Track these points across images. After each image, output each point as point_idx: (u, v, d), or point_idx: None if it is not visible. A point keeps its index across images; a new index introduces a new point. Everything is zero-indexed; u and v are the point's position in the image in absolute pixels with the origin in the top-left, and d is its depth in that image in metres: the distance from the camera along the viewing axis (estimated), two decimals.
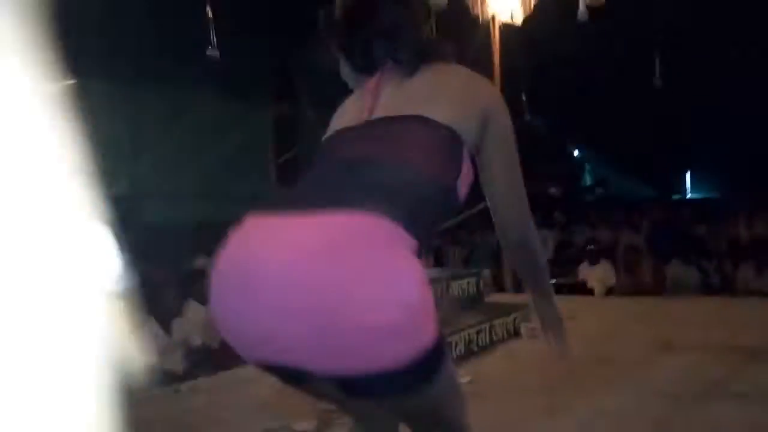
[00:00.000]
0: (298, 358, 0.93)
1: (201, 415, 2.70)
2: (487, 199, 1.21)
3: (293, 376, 1.06)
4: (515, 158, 1.18)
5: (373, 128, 1.12)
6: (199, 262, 5.53)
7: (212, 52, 2.87)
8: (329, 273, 0.88)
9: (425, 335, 0.93)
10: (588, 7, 5.06)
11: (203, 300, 4.53)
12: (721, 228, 6.76)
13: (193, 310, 4.46)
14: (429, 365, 0.97)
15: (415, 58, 1.17)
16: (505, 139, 1.17)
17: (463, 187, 1.12)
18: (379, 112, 1.13)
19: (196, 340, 4.31)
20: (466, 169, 1.12)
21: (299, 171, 8.18)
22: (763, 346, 3.47)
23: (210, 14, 2.81)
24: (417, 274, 0.93)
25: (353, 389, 1.00)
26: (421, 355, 0.92)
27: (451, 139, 1.08)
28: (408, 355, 0.91)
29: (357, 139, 1.13)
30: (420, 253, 0.98)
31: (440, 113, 1.08)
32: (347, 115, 1.21)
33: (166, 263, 5.43)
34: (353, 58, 1.23)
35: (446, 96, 1.12)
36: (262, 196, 7.41)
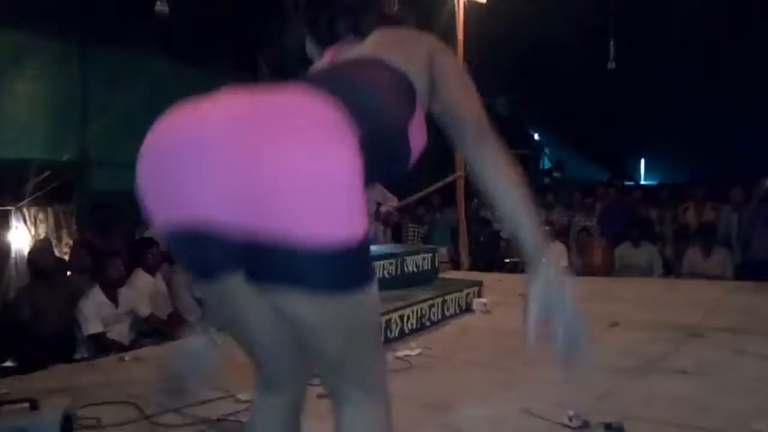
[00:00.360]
0: (217, 214, 0.89)
1: (143, 385, 2.62)
2: (449, 128, 1.17)
3: (204, 250, 0.95)
4: (468, 83, 1.18)
5: (339, 67, 1.16)
6: (149, 231, 5.39)
7: (161, 7, 2.73)
8: (251, 133, 0.88)
9: (347, 224, 0.89)
10: None
11: (152, 270, 4.42)
12: (670, 213, 6.93)
13: (141, 279, 4.34)
14: (349, 266, 0.92)
15: (375, 28, 1.22)
16: (455, 71, 1.18)
17: (413, 138, 1.10)
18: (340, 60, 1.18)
19: (144, 311, 4.20)
20: (419, 119, 1.11)
21: None
22: (703, 324, 3.59)
23: None
24: (349, 156, 0.89)
25: (266, 267, 0.92)
26: (341, 246, 0.88)
27: (404, 82, 1.10)
28: (326, 235, 0.87)
29: (323, 73, 1.18)
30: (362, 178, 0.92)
31: (394, 58, 1.12)
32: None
33: (114, 231, 5.27)
34: (318, 32, 1.26)
35: (396, 46, 1.16)
36: None
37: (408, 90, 1.10)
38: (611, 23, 5.13)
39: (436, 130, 1.18)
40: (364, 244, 0.92)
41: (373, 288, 1.01)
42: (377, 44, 1.17)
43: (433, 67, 1.15)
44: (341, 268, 0.91)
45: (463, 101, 1.16)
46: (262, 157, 0.86)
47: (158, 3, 2.70)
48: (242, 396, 2.40)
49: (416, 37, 1.21)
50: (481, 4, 5.86)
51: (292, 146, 0.86)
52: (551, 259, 1.11)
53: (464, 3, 5.95)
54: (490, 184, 1.14)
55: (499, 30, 6.34)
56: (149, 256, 4.43)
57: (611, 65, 5.32)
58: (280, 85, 1.00)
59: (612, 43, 5.29)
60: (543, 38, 7.04)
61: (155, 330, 4.23)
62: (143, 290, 4.30)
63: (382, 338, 3.20)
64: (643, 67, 7.32)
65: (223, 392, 2.50)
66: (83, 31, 6.07)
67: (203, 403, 2.41)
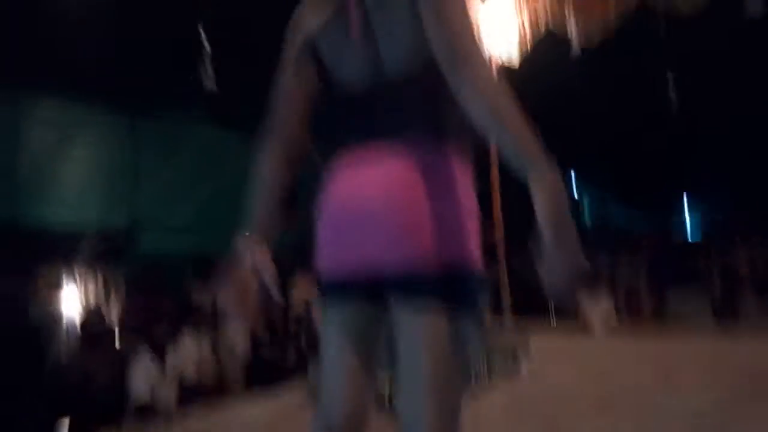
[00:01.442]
0: (375, 258, 1.13)
1: None
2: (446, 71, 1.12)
3: (364, 298, 1.19)
4: (462, 17, 1.13)
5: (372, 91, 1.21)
6: (195, 294, 5.49)
7: (210, 85, 2.87)
8: (398, 195, 1.13)
9: (466, 251, 1.14)
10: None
11: (198, 333, 4.49)
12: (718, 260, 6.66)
13: (187, 343, 4.40)
14: (464, 286, 1.13)
15: None
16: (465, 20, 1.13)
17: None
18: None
19: (190, 375, 4.24)
20: None
21: (298, 202, 8.15)
22: None
23: (208, 48, 2.82)
24: (464, 210, 1.16)
25: (406, 287, 1.12)
26: (462, 267, 1.13)
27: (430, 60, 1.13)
28: (450, 257, 1.11)
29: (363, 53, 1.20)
30: (465, 147, 1.19)
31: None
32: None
33: (162, 295, 5.39)
34: None
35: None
36: None
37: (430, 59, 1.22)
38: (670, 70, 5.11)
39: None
40: (480, 275, 1.17)
41: (484, 311, 1.22)
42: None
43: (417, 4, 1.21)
44: (461, 286, 1.15)
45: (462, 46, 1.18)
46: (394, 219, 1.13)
47: (207, 82, 2.84)
48: None
49: None
50: (512, 69, 5.95)
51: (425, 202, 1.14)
52: (545, 169, 1.03)
53: (497, 68, 6.05)
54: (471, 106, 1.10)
55: (534, 87, 6.43)
56: (196, 319, 4.51)
57: (673, 101, 5.22)
58: (376, 154, 1.18)
59: (671, 79, 5.24)
60: (582, 86, 7.06)
61: (201, 395, 4.26)
62: (190, 354, 4.36)
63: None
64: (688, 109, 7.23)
65: None
66: (133, 102, 6.38)
67: None
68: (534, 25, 5.85)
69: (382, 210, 1.13)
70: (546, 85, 6.02)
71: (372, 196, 1.15)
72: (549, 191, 1.02)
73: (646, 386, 3.50)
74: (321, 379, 1.26)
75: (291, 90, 1.30)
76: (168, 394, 4.07)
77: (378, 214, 1.13)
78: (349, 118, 1.24)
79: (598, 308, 6.38)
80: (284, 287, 6.14)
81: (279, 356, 4.93)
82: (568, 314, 6.33)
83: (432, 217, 1.12)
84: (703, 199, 12.11)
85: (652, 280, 6.61)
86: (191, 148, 6.70)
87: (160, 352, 4.10)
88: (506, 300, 6.38)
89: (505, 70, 5.86)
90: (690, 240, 10.66)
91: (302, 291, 6.05)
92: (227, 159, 6.93)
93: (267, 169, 1.34)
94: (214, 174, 6.72)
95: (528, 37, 5.86)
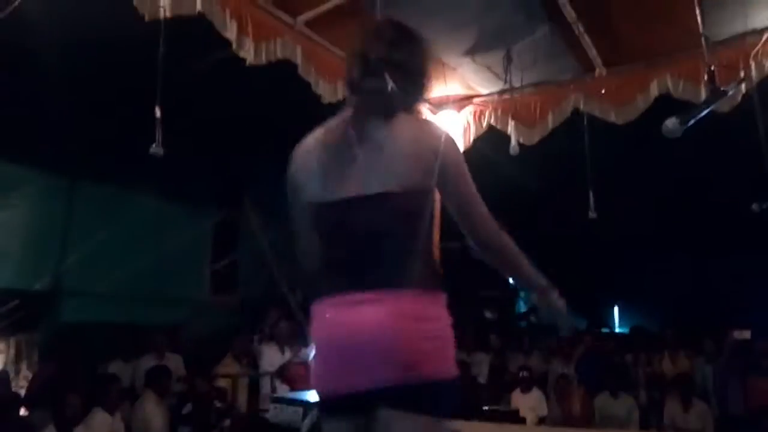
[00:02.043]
0: (368, 381, 1.49)
1: None
2: (460, 224, 1.67)
3: (355, 407, 1.54)
4: (472, 185, 1.67)
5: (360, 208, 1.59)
6: (113, 366, 5.19)
7: (156, 150, 2.87)
8: (391, 330, 1.50)
9: (447, 365, 1.55)
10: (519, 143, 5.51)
11: (111, 409, 4.20)
12: (644, 359, 6.86)
13: (98, 418, 4.10)
14: (442, 395, 1.52)
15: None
16: (461, 174, 1.67)
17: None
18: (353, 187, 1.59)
19: None
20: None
21: (234, 279, 8.01)
22: None
23: (158, 113, 2.86)
24: (442, 330, 1.58)
25: (393, 399, 1.48)
26: (442, 379, 1.52)
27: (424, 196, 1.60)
28: (434, 372, 1.51)
29: (354, 215, 1.58)
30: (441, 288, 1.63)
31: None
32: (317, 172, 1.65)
33: (76, 366, 5.06)
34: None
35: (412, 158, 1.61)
36: (194, 302, 7.13)
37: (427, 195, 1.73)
38: (590, 175, 5.40)
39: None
40: (456, 381, 1.58)
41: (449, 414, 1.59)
42: (403, 156, 1.67)
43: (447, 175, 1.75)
44: (439, 396, 1.55)
45: (481, 216, 1.77)
46: (389, 348, 1.50)
47: (153, 146, 2.85)
48: None
49: (432, 139, 1.76)
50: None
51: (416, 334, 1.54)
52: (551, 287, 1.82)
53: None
54: (508, 267, 1.76)
55: (477, 177, 6.68)
56: (110, 393, 4.23)
57: (592, 215, 5.52)
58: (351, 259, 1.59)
59: (591, 193, 5.55)
60: (519, 187, 7.40)
61: None
62: (99, 430, 4.05)
63: None
64: (618, 218, 7.65)
65: None
66: (73, 165, 6.24)
67: None
68: (477, 122, 6.22)
69: (385, 343, 1.49)
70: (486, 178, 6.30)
71: (374, 332, 1.50)
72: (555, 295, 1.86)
73: None
74: None
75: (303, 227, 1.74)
76: None
77: (381, 346, 1.49)
78: (332, 255, 1.65)
79: (528, 399, 6.46)
80: (211, 364, 5.91)
81: None
82: (500, 403, 6.40)
83: (423, 348, 1.51)
84: (633, 310, 12.65)
85: (583, 379, 6.71)
86: (128, 216, 6.56)
87: (67, 427, 3.80)
88: None
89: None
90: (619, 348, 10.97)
91: (228, 367, 5.84)
92: (163, 230, 6.80)
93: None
94: (148, 244, 6.55)
95: (471, 132, 6.22)
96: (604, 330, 11.10)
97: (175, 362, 5.68)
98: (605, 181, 5.56)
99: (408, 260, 1.52)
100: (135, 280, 6.46)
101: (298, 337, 6.26)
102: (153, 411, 4.76)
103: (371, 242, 1.53)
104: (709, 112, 3.03)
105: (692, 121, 2.85)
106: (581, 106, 5.50)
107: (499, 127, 5.99)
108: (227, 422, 4.88)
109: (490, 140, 6.01)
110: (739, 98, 4.20)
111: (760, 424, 5.45)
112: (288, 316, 6.39)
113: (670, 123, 2.77)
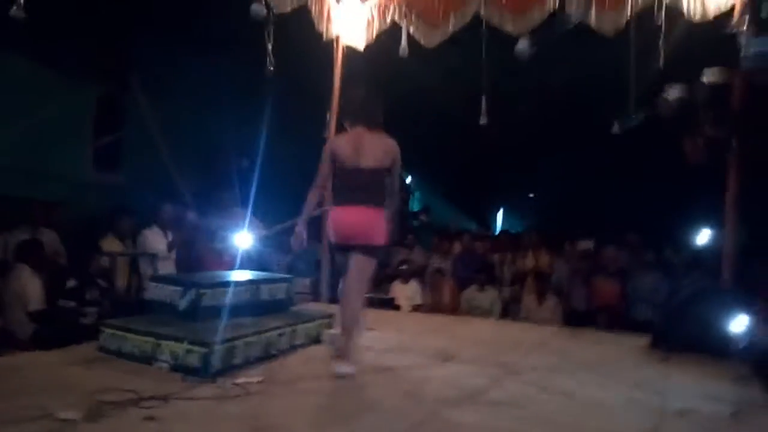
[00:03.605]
0: (355, 238, 3.56)
1: None
2: (388, 183, 3.66)
3: (346, 249, 3.63)
4: (399, 169, 3.72)
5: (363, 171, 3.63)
6: None
7: (16, 12, 2.63)
8: (364, 221, 3.58)
9: (383, 239, 3.62)
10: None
11: None
12: (509, 258, 7.54)
13: None
14: (381, 250, 3.66)
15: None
16: (398, 167, 3.71)
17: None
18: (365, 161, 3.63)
19: None
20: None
21: (120, 155, 7.68)
22: (522, 363, 4.00)
23: None
24: (384, 226, 3.62)
25: (361, 249, 3.57)
26: (381, 244, 3.62)
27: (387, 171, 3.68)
28: (378, 241, 3.60)
29: (359, 173, 3.61)
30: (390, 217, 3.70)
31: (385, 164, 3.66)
32: (348, 152, 3.63)
33: None
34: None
35: (384, 154, 3.65)
36: (75, 179, 6.81)
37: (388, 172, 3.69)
38: (485, 82, 5.56)
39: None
40: (388, 244, 3.81)
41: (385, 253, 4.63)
42: (380, 151, 3.64)
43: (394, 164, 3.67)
44: (379, 250, 3.66)
45: (396, 184, 3.74)
46: (362, 229, 3.59)
47: (13, 8, 2.60)
48: (62, 415, 2.33)
49: (391, 146, 3.67)
50: (359, 51, 6.19)
51: (375, 225, 3.61)
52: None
53: (342, 48, 6.26)
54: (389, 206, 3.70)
55: (375, 76, 6.70)
56: None
57: (483, 121, 5.75)
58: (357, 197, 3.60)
59: (484, 99, 5.73)
60: (417, 88, 7.50)
61: None
62: None
63: (237, 361, 3.47)
64: (508, 125, 8.01)
65: (44, 410, 2.40)
66: None
67: (18, 423, 2.30)
68: (381, 17, 6.13)
69: (361, 224, 3.56)
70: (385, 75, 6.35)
71: (357, 219, 3.57)
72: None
73: (428, 357, 3.96)
74: (341, 266, 3.72)
75: (326, 170, 3.68)
76: None
77: (358, 228, 3.56)
78: (347, 186, 3.62)
79: (406, 289, 6.99)
80: (96, 241, 5.83)
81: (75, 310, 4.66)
82: (379, 292, 6.89)
83: (377, 229, 3.59)
84: (513, 216, 13.56)
85: (457, 274, 7.30)
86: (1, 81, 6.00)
87: None
88: (325, 274, 6.68)
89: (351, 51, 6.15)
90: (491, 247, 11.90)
91: (110, 245, 5.80)
92: (40, 99, 6.30)
93: (312, 198, 3.74)
94: (22, 112, 6.07)
95: (374, 27, 6.14)
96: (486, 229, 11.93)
97: (49, 237, 5.53)
98: (496, 91, 5.80)
99: (376, 194, 3.59)
100: (9, 150, 6.05)
101: (182, 222, 6.27)
102: (27, 282, 4.69)
103: (364, 185, 3.56)
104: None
105: (538, 44, 3.08)
106: (482, 12, 5.59)
107: (402, 24, 5.98)
108: (107, 302, 4.92)
109: (392, 38, 6.01)
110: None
111: (598, 318, 6.30)
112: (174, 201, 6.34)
113: (521, 44, 2.94)
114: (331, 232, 3.62)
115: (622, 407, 3.11)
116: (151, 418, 2.47)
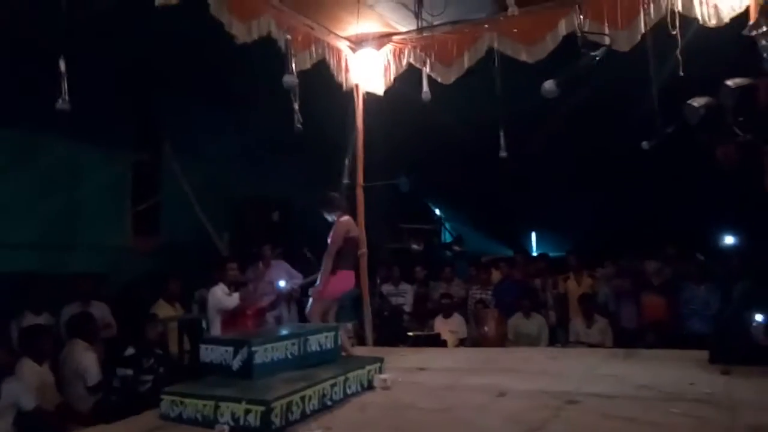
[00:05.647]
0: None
1: None
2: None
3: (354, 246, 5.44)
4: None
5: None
6: (35, 318, 5.11)
7: (62, 105, 2.79)
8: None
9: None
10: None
11: (39, 359, 4.22)
12: (551, 282, 7.44)
13: (27, 369, 4.12)
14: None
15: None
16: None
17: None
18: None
19: (28, 403, 3.96)
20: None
21: (156, 221, 7.89)
22: (577, 390, 3.92)
23: (63, 68, 2.75)
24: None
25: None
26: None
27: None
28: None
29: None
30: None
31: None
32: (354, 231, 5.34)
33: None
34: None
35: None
36: (116, 247, 7.01)
37: None
38: (501, 118, 5.69)
39: None
40: None
41: None
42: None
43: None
44: None
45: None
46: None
47: (59, 101, 2.75)
48: None
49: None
50: (378, 96, 6.34)
51: None
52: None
53: (363, 95, 6.42)
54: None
55: (396, 117, 6.82)
56: (37, 344, 4.24)
57: (503, 154, 5.86)
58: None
59: (502, 134, 5.83)
60: (439, 124, 7.59)
61: (41, 424, 4.00)
62: (29, 381, 4.08)
63: (295, 416, 3.46)
64: (533, 150, 8.05)
65: None
66: None
67: None
68: (397, 61, 6.29)
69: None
70: (408, 114, 6.47)
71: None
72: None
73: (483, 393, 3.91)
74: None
75: (342, 243, 5.03)
76: (2, 425, 3.78)
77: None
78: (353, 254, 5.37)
79: (449, 324, 6.96)
80: (146, 308, 5.92)
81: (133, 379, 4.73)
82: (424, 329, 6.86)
83: None
84: (546, 239, 13.42)
85: (499, 303, 7.22)
86: (40, 162, 6.28)
87: None
88: (367, 317, 6.69)
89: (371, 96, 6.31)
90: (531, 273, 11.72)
91: (163, 309, 5.90)
92: (78, 175, 6.56)
93: (329, 263, 4.99)
94: (63, 189, 6.33)
95: (391, 71, 6.29)
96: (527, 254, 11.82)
97: (98, 309, 5.67)
98: (520, 117, 5.86)
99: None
100: (50, 228, 6.28)
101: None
102: (82, 357, 4.78)
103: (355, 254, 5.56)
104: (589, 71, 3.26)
105: (566, 83, 3.08)
106: (495, 45, 5.69)
107: (417, 65, 6.11)
108: (162, 369, 4.96)
109: (409, 81, 6.14)
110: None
111: (647, 336, 6.15)
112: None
113: (548, 84, 2.96)
114: (339, 287, 5.03)
115: (691, 428, 3.03)
116: None
